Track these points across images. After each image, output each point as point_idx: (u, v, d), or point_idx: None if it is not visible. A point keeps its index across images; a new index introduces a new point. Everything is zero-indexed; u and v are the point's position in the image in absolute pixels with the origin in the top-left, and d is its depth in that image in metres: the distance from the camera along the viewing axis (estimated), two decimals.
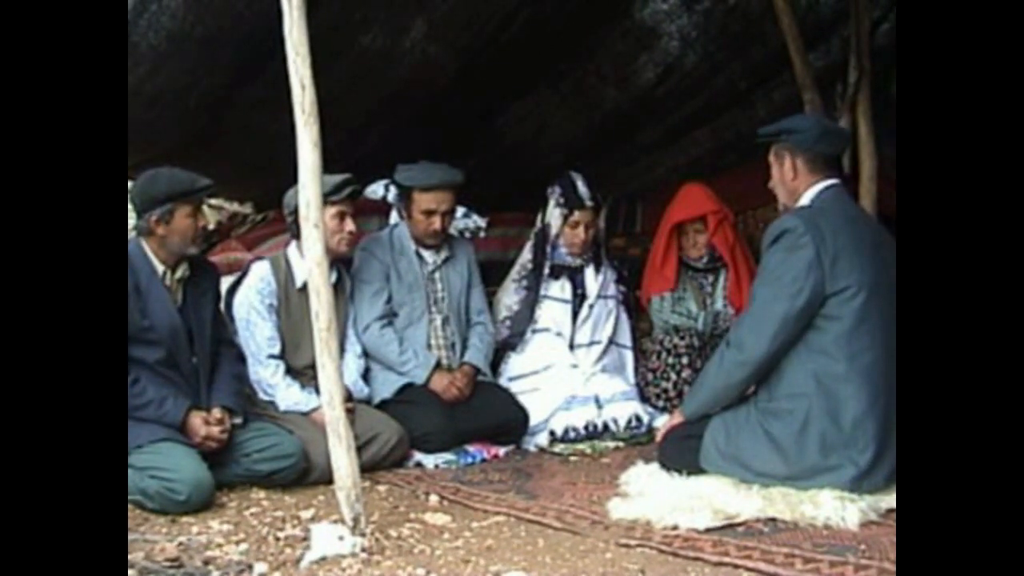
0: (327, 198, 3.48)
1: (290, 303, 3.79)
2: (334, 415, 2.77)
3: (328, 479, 2.97)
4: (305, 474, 3.43)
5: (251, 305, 3.74)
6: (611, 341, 4.50)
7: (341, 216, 3.78)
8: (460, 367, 4.15)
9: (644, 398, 4.31)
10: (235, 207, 5.83)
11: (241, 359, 3.70)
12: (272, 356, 3.73)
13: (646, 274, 4.70)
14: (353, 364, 3.95)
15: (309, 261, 2.81)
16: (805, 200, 3.13)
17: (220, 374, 3.45)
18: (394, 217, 4.49)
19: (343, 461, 2.77)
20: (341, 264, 3.98)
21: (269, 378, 3.70)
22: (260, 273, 3.79)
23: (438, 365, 4.09)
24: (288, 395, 3.69)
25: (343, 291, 3.98)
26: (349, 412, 2.99)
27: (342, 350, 3.72)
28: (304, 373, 3.71)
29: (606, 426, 4.08)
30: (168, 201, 3.25)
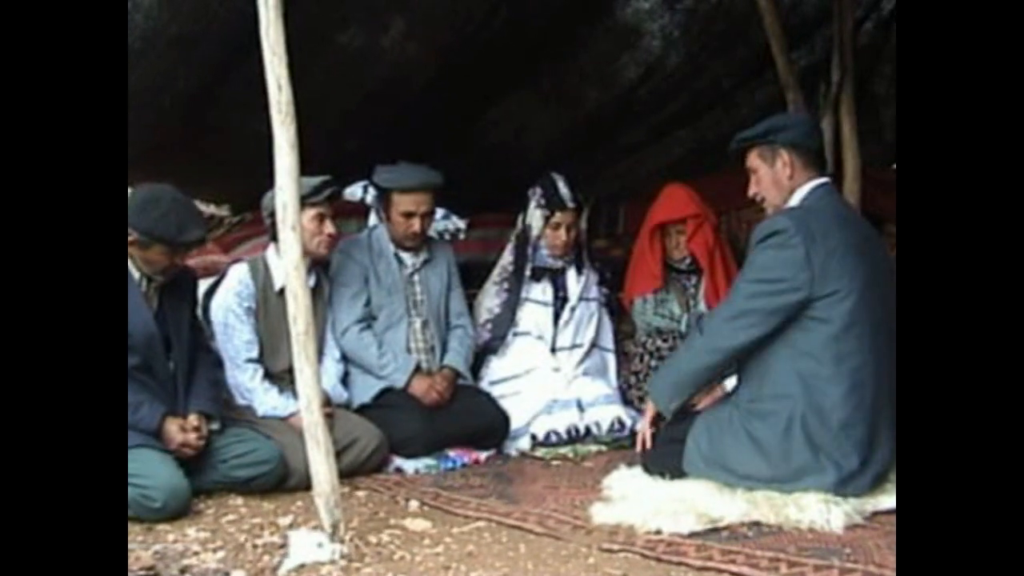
0: (306, 200, 3.45)
1: (268, 306, 3.74)
2: (312, 420, 2.73)
3: (307, 485, 2.93)
4: (283, 480, 3.40)
5: (229, 308, 3.70)
6: (593, 344, 4.47)
7: (320, 218, 3.76)
8: (440, 370, 4.11)
9: (627, 401, 4.29)
10: (212, 209, 5.80)
11: (219, 364, 3.66)
12: (250, 360, 3.69)
13: (629, 275, 4.67)
14: (332, 368, 3.91)
15: (287, 264, 2.77)
16: (795, 200, 3.10)
17: (197, 379, 3.40)
18: (373, 219, 4.45)
19: (322, 467, 2.74)
20: (319, 267, 3.94)
21: (247, 382, 3.66)
22: (238, 276, 3.76)
23: (418, 368, 4.05)
24: (266, 400, 3.64)
25: (321, 294, 3.94)
26: (328, 417, 2.96)
27: (321, 354, 3.69)
28: (282, 377, 3.65)
29: (588, 430, 4.05)
30: (147, 236, 3.18)
